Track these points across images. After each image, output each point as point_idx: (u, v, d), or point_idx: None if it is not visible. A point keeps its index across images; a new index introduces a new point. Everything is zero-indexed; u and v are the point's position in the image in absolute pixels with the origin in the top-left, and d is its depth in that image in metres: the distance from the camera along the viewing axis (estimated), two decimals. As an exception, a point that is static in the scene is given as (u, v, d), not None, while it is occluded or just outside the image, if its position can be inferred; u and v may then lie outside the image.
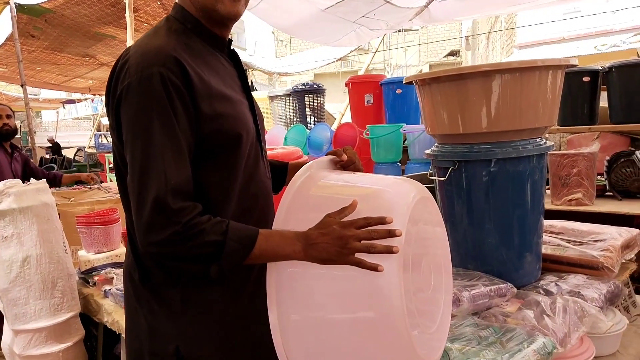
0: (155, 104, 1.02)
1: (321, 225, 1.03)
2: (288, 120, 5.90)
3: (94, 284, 2.58)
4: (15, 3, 6.38)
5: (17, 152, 3.84)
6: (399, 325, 0.98)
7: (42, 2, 6.33)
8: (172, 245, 1.00)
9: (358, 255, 0.99)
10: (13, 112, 3.88)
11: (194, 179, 1.08)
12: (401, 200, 1.05)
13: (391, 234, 0.97)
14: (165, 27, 1.16)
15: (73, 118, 19.20)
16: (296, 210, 1.11)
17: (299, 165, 1.43)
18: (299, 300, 1.08)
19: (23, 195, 2.34)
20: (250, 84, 1.39)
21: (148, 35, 1.15)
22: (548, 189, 3.05)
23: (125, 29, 5.18)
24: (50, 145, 10.70)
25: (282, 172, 1.47)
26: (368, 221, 1.00)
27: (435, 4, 5.36)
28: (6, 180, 2.43)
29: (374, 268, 0.97)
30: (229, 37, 1.27)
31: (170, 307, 1.14)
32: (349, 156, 1.29)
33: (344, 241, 0.99)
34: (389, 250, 0.96)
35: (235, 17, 1.19)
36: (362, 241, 0.99)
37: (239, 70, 1.28)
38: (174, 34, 1.14)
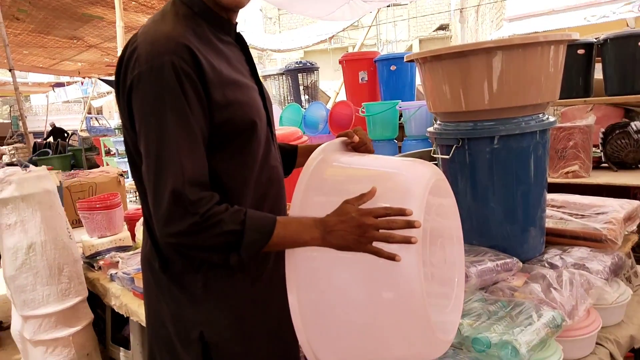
0: (168, 94, 1.01)
1: (339, 212, 1.03)
2: (282, 99, 5.88)
3: (99, 268, 2.60)
4: (-2, -15, 6.24)
5: None
6: (419, 310, 1.00)
7: (27, -16, 6.20)
8: (191, 236, 1.01)
9: (376, 244, 1.00)
10: None
11: (210, 168, 1.08)
12: (417, 183, 1.06)
13: (410, 224, 0.97)
14: (172, 11, 1.14)
15: (63, 101, 18.97)
16: (312, 194, 1.12)
17: (309, 148, 1.43)
18: (318, 282, 1.09)
19: (24, 183, 2.33)
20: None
21: (155, 20, 1.12)
22: (545, 162, 3.08)
23: (113, 7, 5.11)
24: (52, 129, 10.62)
25: (292, 155, 1.47)
26: (387, 211, 0.99)
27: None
28: (6, 168, 2.42)
29: (391, 258, 0.97)
30: (236, 20, 1.25)
31: (192, 294, 1.15)
32: (360, 137, 1.29)
33: (363, 230, 0.99)
34: (407, 241, 0.96)
35: (239, 7, 1.18)
36: (380, 230, 0.99)
37: (246, 54, 1.26)
38: (182, 19, 1.12)
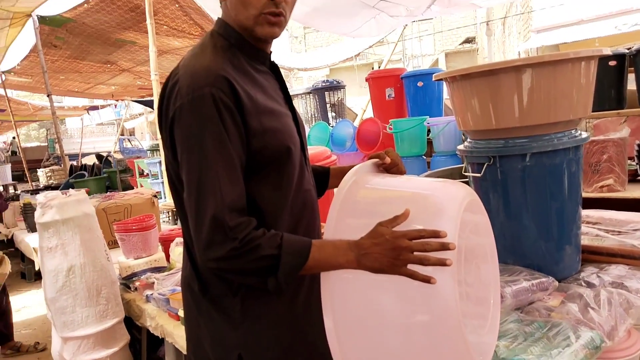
0: (209, 123, 1.06)
1: (374, 235, 1.04)
2: (309, 117, 5.94)
3: (135, 289, 2.65)
4: (37, 15, 6.51)
5: None
6: (455, 332, 0.99)
7: (63, 12, 6.46)
8: (230, 260, 1.04)
9: (411, 266, 1.01)
10: None
11: (247, 193, 1.11)
12: (451, 204, 1.07)
13: (444, 247, 0.97)
14: (210, 44, 1.20)
15: (97, 124, 19.53)
16: (346, 216, 1.13)
17: (341, 170, 1.45)
18: (354, 305, 1.10)
19: (65, 207, 2.41)
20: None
21: (195, 54, 1.18)
22: (579, 176, 3.04)
23: (146, 32, 5.26)
24: (97, 156, 11.25)
25: (325, 177, 1.50)
26: (421, 233, 1.00)
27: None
28: (47, 192, 2.51)
29: (426, 280, 0.98)
30: (270, 50, 1.29)
31: (230, 316, 1.18)
32: (392, 158, 1.31)
33: (397, 252, 1.00)
34: (442, 263, 0.97)
35: (272, 38, 1.23)
36: (415, 253, 1.00)
37: (280, 81, 1.31)
38: (220, 51, 1.17)
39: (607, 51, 1.70)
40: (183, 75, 1.11)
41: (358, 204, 1.17)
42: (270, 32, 1.19)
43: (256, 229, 1.07)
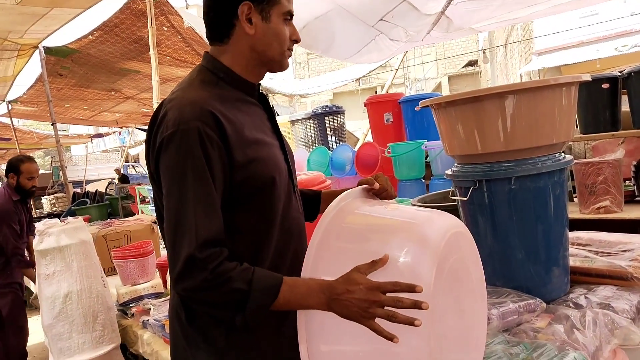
0: (191, 158, 1.09)
1: (348, 281, 1.03)
2: (310, 142, 5.99)
3: (132, 315, 2.67)
4: (44, 46, 6.66)
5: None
6: None
7: (69, 44, 6.61)
8: (202, 291, 1.06)
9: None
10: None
11: (233, 223, 1.15)
12: (433, 235, 1.09)
13: (417, 305, 0.96)
14: (198, 78, 1.25)
15: (101, 151, 19.78)
16: (331, 238, 1.15)
17: (332, 194, 1.48)
18: (328, 334, 1.11)
19: (62, 234, 2.45)
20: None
21: (182, 88, 1.23)
22: (576, 197, 3.05)
23: (149, 62, 5.37)
24: (118, 176, 11.35)
25: (316, 201, 1.53)
26: (396, 287, 0.99)
27: (452, 9, 5.26)
28: (45, 220, 2.55)
29: (390, 339, 0.98)
30: (259, 82, 1.35)
31: (215, 346, 1.19)
32: (380, 184, 1.33)
33: (367, 305, 1.00)
34: (411, 323, 0.96)
35: (282, 70, 1.33)
36: (386, 308, 0.99)
37: (268, 111, 1.35)
38: (207, 86, 1.22)
39: (587, 77, 1.74)
40: (171, 108, 1.16)
41: (344, 228, 1.19)
42: (287, 65, 1.33)
43: (229, 260, 1.08)
